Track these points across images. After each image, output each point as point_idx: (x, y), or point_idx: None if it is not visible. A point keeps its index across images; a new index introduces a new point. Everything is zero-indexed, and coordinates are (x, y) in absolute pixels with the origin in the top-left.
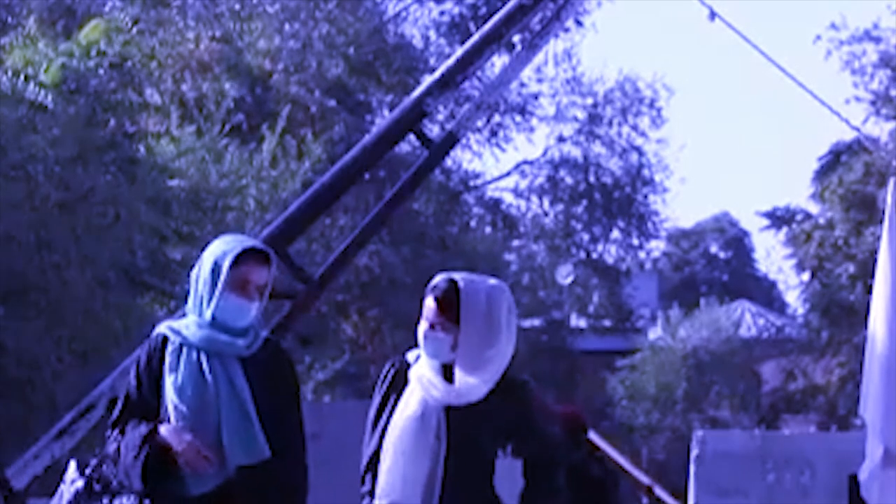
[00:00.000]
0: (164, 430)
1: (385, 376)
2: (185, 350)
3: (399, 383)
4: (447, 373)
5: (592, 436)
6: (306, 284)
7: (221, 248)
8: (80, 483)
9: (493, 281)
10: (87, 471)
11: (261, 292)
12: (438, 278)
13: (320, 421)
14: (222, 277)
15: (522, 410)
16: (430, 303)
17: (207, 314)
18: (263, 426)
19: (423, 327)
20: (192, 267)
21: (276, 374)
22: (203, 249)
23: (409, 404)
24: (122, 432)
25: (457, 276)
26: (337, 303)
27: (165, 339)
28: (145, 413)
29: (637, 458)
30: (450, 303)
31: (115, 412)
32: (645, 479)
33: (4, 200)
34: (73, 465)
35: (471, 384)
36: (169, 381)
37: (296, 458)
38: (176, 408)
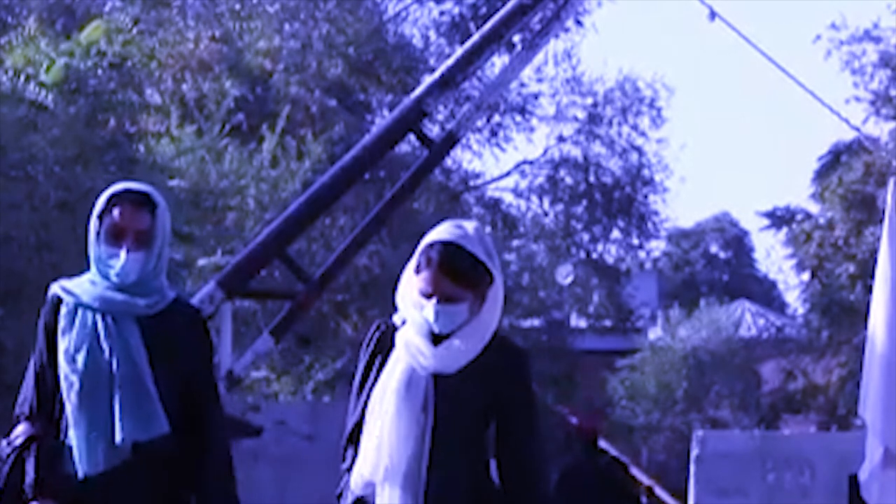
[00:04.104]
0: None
1: (371, 338)
2: (80, 311)
3: (385, 345)
4: (434, 337)
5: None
6: (306, 284)
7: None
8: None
9: (469, 224)
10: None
11: (141, 239)
12: (432, 247)
13: (316, 421)
14: (92, 227)
15: (516, 376)
16: (438, 276)
17: (93, 269)
18: (164, 398)
19: (430, 302)
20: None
21: (183, 336)
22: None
23: (394, 372)
24: (16, 421)
25: (448, 236)
26: (337, 303)
27: (60, 300)
28: (49, 388)
29: (637, 458)
30: (464, 272)
31: (23, 391)
32: (645, 479)
33: (4, 200)
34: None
35: (463, 347)
36: (61, 347)
37: (206, 429)
38: (66, 377)
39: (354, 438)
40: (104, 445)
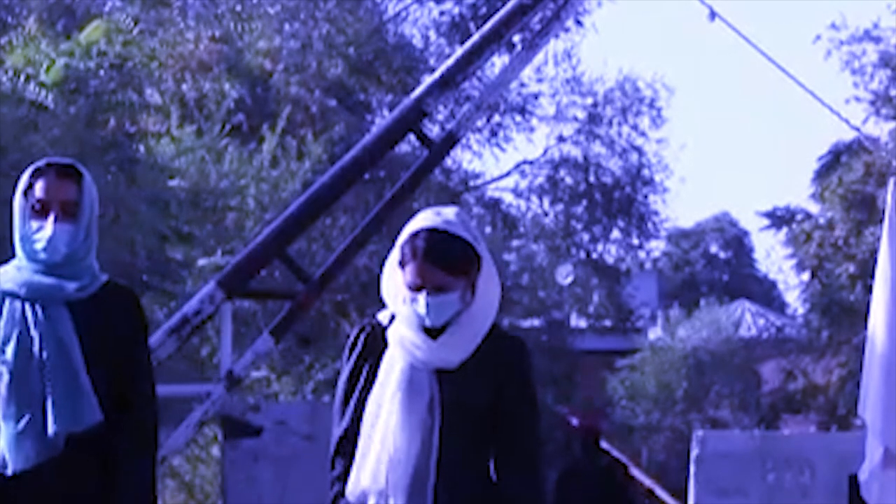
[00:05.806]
0: None
1: (355, 342)
2: (7, 301)
3: (374, 348)
4: (428, 330)
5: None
6: (306, 284)
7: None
8: None
9: (449, 210)
10: None
11: (68, 210)
12: (417, 235)
13: (316, 421)
14: (17, 206)
15: (517, 369)
16: (426, 266)
17: (19, 253)
18: (97, 385)
19: (420, 295)
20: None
21: (117, 319)
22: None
23: (392, 372)
24: None
25: (431, 223)
26: (337, 303)
27: None
28: None
29: (637, 458)
30: (453, 258)
31: None
32: (647, 480)
33: (4, 200)
34: None
35: (461, 338)
36: None
37: (139, 416)
38: None
39: (342, 448)
40: (35, 439)
